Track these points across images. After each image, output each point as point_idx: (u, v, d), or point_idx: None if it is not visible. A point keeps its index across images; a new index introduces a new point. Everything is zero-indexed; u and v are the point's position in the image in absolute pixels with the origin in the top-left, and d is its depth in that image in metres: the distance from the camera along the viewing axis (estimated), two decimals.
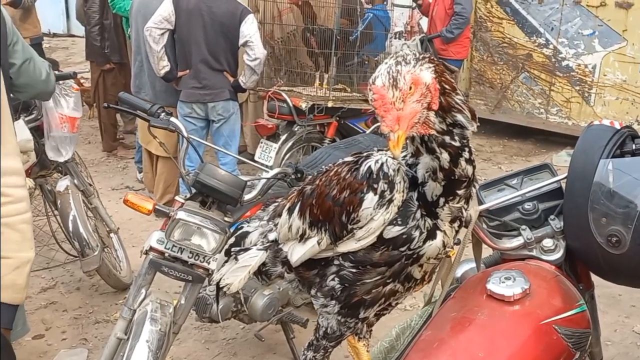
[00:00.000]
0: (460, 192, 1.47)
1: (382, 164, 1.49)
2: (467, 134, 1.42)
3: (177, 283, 3.28)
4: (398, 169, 1.48)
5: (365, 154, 1.57)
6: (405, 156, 1.51)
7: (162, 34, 4.44)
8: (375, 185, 1.47)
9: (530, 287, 1.63)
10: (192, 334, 3.47)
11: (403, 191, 1.47)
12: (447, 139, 1.39)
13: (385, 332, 2.05)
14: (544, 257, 1.90)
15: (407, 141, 1.45)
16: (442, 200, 1.47)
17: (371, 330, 1.79)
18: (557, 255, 1.89)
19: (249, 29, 4.50)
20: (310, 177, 1.76)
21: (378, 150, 1.57)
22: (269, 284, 2.72)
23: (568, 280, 1.83)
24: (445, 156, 1.40)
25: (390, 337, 1.95)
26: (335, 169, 1.60)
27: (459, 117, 1.39)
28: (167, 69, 4.56)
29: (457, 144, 1.40)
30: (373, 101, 1.30)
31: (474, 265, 2.06)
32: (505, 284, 1.64)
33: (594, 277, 2.00)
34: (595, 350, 2.15)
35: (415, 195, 1.49)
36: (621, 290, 3.57)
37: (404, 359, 1.61)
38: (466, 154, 1.43)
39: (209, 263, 2.52)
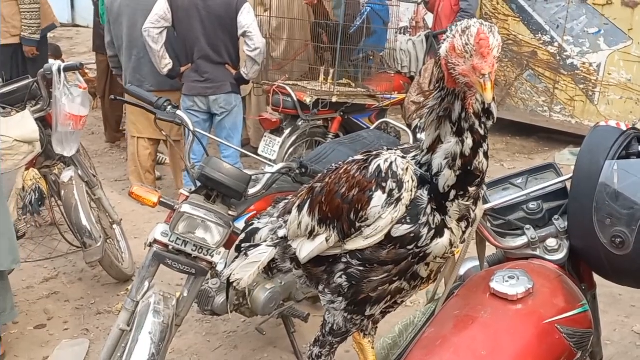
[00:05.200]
0: (471, 189, 1.49)
1: (391, 163, 1.50)
2: (489, 126, 1.44)
3: (178, 275, 3.30)
4: (407, 168, 1.49)
5: (374, 152, 1.58)
6: (415, 156, 1.52)
7: (160, 32, 4.44)
8: (384, 184, 1.49)
9: (534, 287, 1.64)
10: (193, 326, 3.48)
11: (411, 190, 1.48)
12: (476, 123, 1.42)
13: (387, 329, 2.06)
14: (547, 257, 1.90)
15: (427, 131, 1.47)
16: (453, 193, 1.48)
17: (376, 327, 1.80)
18: (561, 255, 1.90)
19: (246, 18, 4.49)
20: (320, 174, 1.77)
21: (387, 149, 1.58)
22: (271, 278, 2.73)
23: (571, 280, 1.84)
24: (469, 142, 1.43)
25: (393, 333, 1.96)
26: (344, 167, 1.62)
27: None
28: (170, 66, 4.57)
29: (482, 132, 1.44)
30: (478, 41, 1.30)
31: (477, 263, 2.06)
32: (509, 283, 1.65)
33: (594, 276, 2.01)
34: (595, 350, 2.15)
35: (425, 192, 1.50)
36: (621, 290, 3.57)
37: (407, 356, 1.61)
38: (485, 147, 1.46)
39: (212, 256, 2.53)
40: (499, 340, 1.56)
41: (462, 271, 2.05)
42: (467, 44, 1.31)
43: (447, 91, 1.40)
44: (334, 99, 5.07)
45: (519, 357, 1.53)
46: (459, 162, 1.44)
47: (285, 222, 1.79)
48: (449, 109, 1.41)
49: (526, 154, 6.91)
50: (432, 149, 1.47)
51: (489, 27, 1.32)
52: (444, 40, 1.37)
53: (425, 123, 1.46)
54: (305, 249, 1.68)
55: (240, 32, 4.52)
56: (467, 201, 1.50)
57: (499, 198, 2.01)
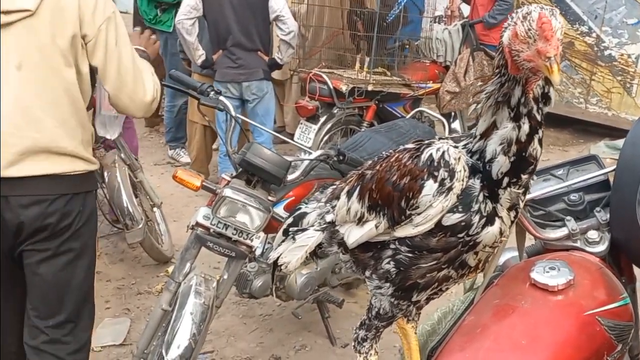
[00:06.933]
0: (524, 176, 1.50)
1: (443, 152, 1.51)
2: (545, 112, 1.45)
3: (216, 258, 3.36)
4: (459, 158, 1.50)
5: (427, 141, 1.60)
6: (466, 144, 1.54)
7: (193, 23, 4.49)
8: (436, 173, 1.50)
9: (575, 278, 1.64)
10: (230, 308, 3.55)
11: (463, 180, 1.49)
12: (534, 108, 1.43)
13: (424, 317, 2.09)
14: (588, 249, 1.90)
15: (483, 117, 1.48)
16: (506, 180, 1.49)
17: (419, 313, 1.83)
18: (602, 247, 1.90)
19: (278, 2, 4.52)
20: (370, 162, 1.80)
21: (439, 138, 1.60)
22: (315, 262, 2.78)
23: (611, 273, 1.84)
24: (525, 127, 1.43)
25: (432, 320, 1.99)
26: (396, 155, 1.63)
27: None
28: (204, 57, 4.64)
29: (539, 117, 1.44)
30: (540, 25, 1.31)
31: (516, 253, 2.07)
32: (550, 273, 1.65)
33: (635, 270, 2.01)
34: (633, 344, 2.15)
35: (477, 180, 1.51)
36: None
37: (447, 343, 1.64)
38: (540, 133, 1.46)
39: (252, 240, 2.58)
40: (538, 330, 1.57)
41: (500, 261, 2.06)
42: (529, 29, 1.32)
43: (507, 77, 1.41)
44: (370, 88, 5.08)
45: (558, 347, 1.55)
46: (514, 148, 1.45)
47: (333, 207, 1.82)
48: (508, 94, 1.42)
49: (560, 145, 6.85)
50: (485, 135, 1.48)
51: (549, 10, 1.33)
52: (505, 28, 1.38)
53: (482, 108, 1.47)
54: (354, 235, 1.70)
55: (272, 16, 4.55)
56: (518, 189, 1.51)
57: (539, 189, 2.01)
